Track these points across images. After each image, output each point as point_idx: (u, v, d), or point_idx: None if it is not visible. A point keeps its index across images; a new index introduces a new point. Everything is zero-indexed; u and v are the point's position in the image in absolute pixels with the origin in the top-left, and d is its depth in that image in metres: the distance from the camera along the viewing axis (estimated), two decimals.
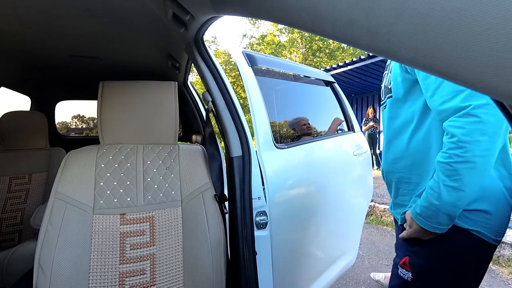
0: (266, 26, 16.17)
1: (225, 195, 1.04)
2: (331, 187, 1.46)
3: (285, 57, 14.42)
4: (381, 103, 1.05)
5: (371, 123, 6.42)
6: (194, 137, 2.39)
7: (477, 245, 0.77)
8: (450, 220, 0.74)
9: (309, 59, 14.27)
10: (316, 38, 13.95)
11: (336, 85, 1.94)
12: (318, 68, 5.31)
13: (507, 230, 3.06)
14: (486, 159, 0.67)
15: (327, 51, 14.45)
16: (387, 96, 0.98)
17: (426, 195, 0.76)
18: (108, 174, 0.91)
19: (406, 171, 0.90)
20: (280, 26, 14.25)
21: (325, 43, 14.11)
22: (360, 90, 7.91)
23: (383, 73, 1.09)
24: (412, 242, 0.84)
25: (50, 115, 2.46)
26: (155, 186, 0.94)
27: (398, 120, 0.92)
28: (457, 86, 0.63)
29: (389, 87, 0.96)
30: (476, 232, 0.76)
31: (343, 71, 6.22)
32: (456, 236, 0.77)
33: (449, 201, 0.71)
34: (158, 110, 0.98)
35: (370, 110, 6.56)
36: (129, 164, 0.94)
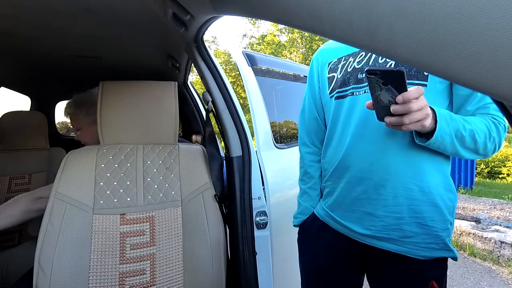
0: (266, 26, 16.16)
1: (225, 195, 1.04)
2: None
3: (285, 57, 14.42)
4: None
5: None
6: (194, 137, 2.39)
7: None
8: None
9: (309, 59, 14.27)
10: (316, 38, 13.95)
11: None
12: None
13: (507, 230, 3.02)
14: None
15: None
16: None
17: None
18: (108, 174, 0.91)
19: None
20: (280, 26, 14.24)
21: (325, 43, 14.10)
22: None
23: None
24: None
25: (50, 115, 2.46)
26: (155, 186, 0.94)
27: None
28: None
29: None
30: None
31: None
32: None
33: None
34: (158, 110, 0.98)
35: None
36: (129, 164, 0.94)
